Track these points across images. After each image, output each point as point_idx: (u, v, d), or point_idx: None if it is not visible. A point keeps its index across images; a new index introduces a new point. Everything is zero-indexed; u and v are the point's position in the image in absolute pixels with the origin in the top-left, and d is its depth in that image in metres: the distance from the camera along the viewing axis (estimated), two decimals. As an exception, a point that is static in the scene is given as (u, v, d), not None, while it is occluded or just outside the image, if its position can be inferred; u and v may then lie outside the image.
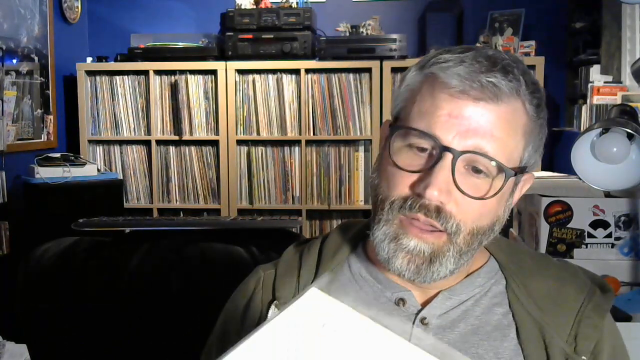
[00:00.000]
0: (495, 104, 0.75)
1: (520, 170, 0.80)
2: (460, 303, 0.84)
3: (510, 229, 2.20)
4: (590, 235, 1.75)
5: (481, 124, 0.75)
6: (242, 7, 3.93)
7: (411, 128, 0.77)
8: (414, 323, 0.83)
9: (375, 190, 0.82)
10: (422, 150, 0.77)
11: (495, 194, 0.77)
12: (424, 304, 0.84)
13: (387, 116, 3.96)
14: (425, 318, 0.83)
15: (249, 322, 0.90)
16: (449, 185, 0.75)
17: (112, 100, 3.85)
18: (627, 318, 1.51)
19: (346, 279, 0.89)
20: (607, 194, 1.79)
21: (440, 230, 0.77)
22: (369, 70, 3.64)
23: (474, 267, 0.87)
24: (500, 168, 0.76)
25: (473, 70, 0.75)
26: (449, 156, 0.74)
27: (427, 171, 0.76)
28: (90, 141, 3.86)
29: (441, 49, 0.81)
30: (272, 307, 0.88)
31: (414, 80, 0.81)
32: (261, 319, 0.88)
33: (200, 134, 3.81)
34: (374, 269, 0.88)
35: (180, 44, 3.82)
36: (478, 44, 3.66)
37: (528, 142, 0.79)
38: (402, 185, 0.77)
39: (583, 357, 0.81)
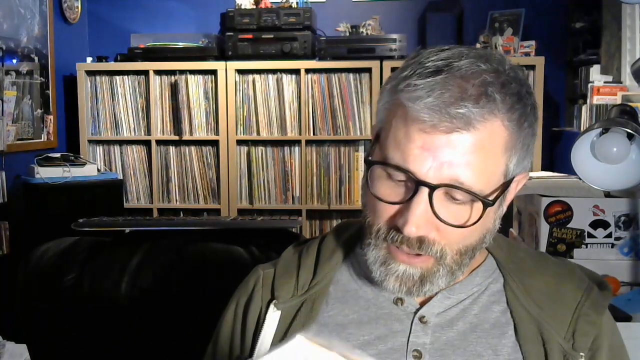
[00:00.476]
0: (468, 132, 0.73)
1: (505, 186, 0.78)
2: (459, 302, 0.85)
3: (510, 229, 2.20)
4: (590, 235, 1.75)
5: (455, 155, 0.73)
6: (242, 7, 3.93)
7: (386, 164, 0.76)
8: (412, 321, 0.83)
9: (364, 210, 0.83)
10: (400, 180, 0.76)
11: (477, 220, 0.76)
12: (423, 303, 0.85)
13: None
14: (424, 316, 0.83)
15: (249, 320, 0.90)
16: (428, 217, 0.75)
17: (112, 100, 3.85)
18: (627, 318, 1.51)
19: (345, 279, 0.90)
20: (607, 194, 1.79)
21: (426, 255, 0.78)
22: (369, 70, 3.64)
23: (473, 265, 0.87)
24: (476, 197, 0.75)
25: (442, 101, 0.72)
26: (424, 190, 0.74)
27: (405, 204, 0.76)
28: (90, 141, 3.86)
29: (418, 58, 0.78)
30: (272, 306, 0.88)
31: (389, 100, 0.79)
32: (260, 317, 0.89)
33: (200, 134, 3.81)
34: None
35: (180, 44, 3.82)
36: (478, 44, 3.66)
37: (511, 155, 0.77)
38: (384, 215, 0.78)
39: (581, 354, 0.81)
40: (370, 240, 0.80)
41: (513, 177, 0.80)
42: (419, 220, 0.74)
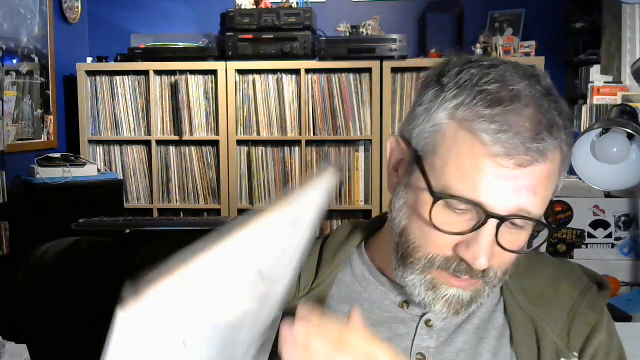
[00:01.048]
0: (540, 164, 0.72)
1: (551, 203, 0.81)
2: None
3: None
4: (590, 235, 1.75)
5: (525, 185, 0.72)
6: (242, 7, 3.93)
7: (456, 197, 0.72)
8: (418, 324, 0.83)
9: (404, 231, 0.79)
10: (463, 209, 0.73)
11: (541, 244, 0.79)
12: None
13: (387, 116, 3.92)
14: (429, 320, 0.83)
15: None
16: (493, 246, 0.73)
17: (112, 100, 3.85)
18: (627, 318, 1.51)
19: (349, 281, 0.89)
20: (607, 194, 1.79)
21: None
22: (369, 70, 3.64)
23: None
24: (538, 221, 0.75)
25: (518, 136, 0.70)
26: (493, 222, 0.72)
27: (471, 235, 0.73)
28: (90, 141, 3.86)
29: (467, 82, 0.74)
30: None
31: (445, 123, 0.74)
32: None
33: (200, 134, 3.81)
34: (376, 271, 0.87)
35: (180, 44, 3.82)
36: (478, 44, 3.66)
37: (561, 176, 0.77)
38: (443, 244, 0.75)
39: (575, 353, 0.81)
40: (413, 262, 0.77)
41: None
42: (488, 252, 0.72)
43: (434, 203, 0.73)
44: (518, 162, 0.70)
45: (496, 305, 0.85)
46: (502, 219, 0.71)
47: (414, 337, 0.82)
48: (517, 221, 0.73)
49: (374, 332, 0.83)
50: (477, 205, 0.71)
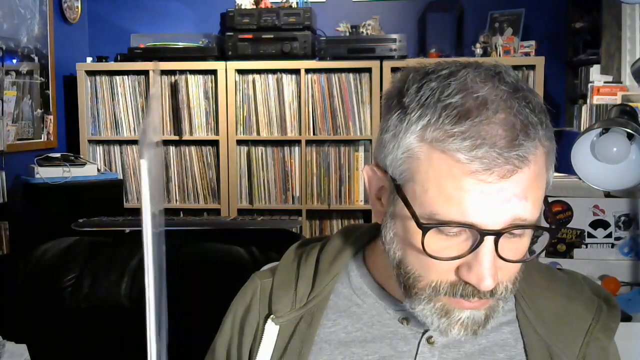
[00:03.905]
0: (525, 168, 0.68)
1: (546, 201, 0.76)
2: None
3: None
4: (590, 235, 1.75)
5: (514, 194, 0.68)
6: (242, 7, 3.93)
7: (446, 223, 0.69)
8: (420, 342, 0.81)
9: (401, 262, 0.75)
10: (456, 232, 0.70)
11: (534, 248, 0.75)
12: None
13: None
14: (431, 337, 0.81)
15: (247, 334, 0.88)
16: (495, 262, 0.70)
17: (112, 100, 3.85)
18: (627, 318, 1.51)
19: (346, 293, 0.86)
20: (607, 194, 1.79)
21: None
22: (369, 70, 3.64)
23: None
24: (536, 226, 0.72)
25: (494, 148, 0.67)
26: (490, 239, 0.68)
27: (470, 256, 0.70)
28: (90, 141, 3.86)
29: (429, 101, 0.70)
30: (269, 320, 0.85)
31: (416, 148, 0.70)
32: (258, 331, 0.87)
33: (200, 134, 3.81)
34: (374, 284, 0.85)
35: (180, 44, 3.82)
36: (478, 44, 3.66)
37: (549, 171, 0.74)
38: (444, 271, 0.72)
39: None
40: (419, 292, 0.74)
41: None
42: (492, 271, 0.69)
43: (424, 234, 0.70)
44: (500, 175, 0.67)
45: (503, 324, 0.83)
46: (498, 234, 0.68)
47: (416, 355, 0.80)
48: (515, 231, 0.70)
49: (375, 348, 0.81)
50: (469, 227, 0.68)
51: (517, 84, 0.72)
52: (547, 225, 0.75)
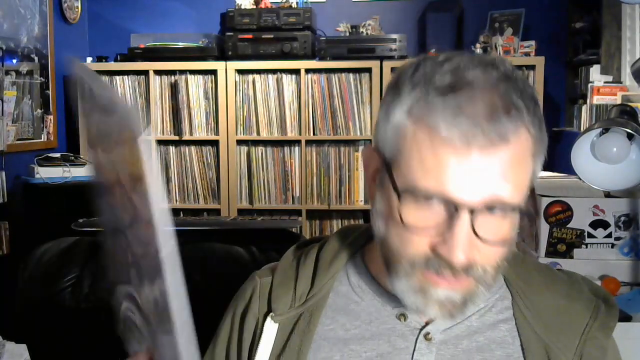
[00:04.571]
0: (504, 147, 0.69)
1: (531, 192, 0.76)
2: (465, 318, 0.82)
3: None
4: (590, 235, 1.75)
5: (493, 171, 0.69)
6: (242, 7, 3.93)
7: (420, 189, 0.70)
8: (417, 338, 0.81)
9: (384, 240, 0.77)
10: (431, 205, 0.71)
11: (514, 229, 0.74)
12: (429, 321, 0.82)
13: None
14: (429, 333, 0.81)
15: (246, 332, 0.88)
16: (471, 239, 0.70)
17: (112, 100, 3.84)
18: (627, 318, 1.51)
19: (345, 291, 0.87)
20: (607, 194, 1.79)
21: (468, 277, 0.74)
22: (369, 70, 3.64)
23: None
24: (516, 208, 0.72)
25: (474, 119, 0.68)
26: (466, 214, 0.69)
27: (444, 228, 0.70)
28: (90, 141, 3.86)
29: (424, 76, 0.73)
30: (269, 318, 0.86)
31: (403, 123, 0.73)
32: (257, 329, 0.87)
33: (200, 134, 3.81)
34: (373, 282, 0.85)
35: (180, 44, 3.82)
36: (478, 44, 3.66)
37: (536, 161, 0.75)
38: (420, 245, 0.72)
39: None
40: (399, 269, 0.75)
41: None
42: (465, 244, 0.69)
43: (400, 201, 0.71)
44: (479, 149, 0.68)
45: (501, 322, 0.83)
46: (473, 210, 0.69)
47: (414, 351, 0.81)
48: (494, 211, 0.70)
49: (373, 345, 0.82)
50: (444, 198, 0.69)
51: (510, 73, 0.73)
52: (532, 213, 0.75)
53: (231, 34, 3.76)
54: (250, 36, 3.73)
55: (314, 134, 3.73)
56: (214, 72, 3.74)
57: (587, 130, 1.56)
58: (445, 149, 0.69)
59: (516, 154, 0.70)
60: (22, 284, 1.64)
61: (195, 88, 3.78)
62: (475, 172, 0.69)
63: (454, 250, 0.69)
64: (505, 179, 0.70)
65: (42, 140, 3.65)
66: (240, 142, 3.78)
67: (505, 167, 0.69)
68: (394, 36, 3.65)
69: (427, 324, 0.82)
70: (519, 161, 0.71)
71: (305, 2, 3.98)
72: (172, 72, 3.78)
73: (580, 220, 1.75)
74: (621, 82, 3.17)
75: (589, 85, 3.18)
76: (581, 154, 1.57)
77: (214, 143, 3.80)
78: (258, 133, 3.77)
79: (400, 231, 0.73)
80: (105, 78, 3.83)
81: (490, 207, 0.70)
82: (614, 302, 0.86)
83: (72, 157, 3.51)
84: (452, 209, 0.69)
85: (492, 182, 0.69)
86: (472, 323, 0.83)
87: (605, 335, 0.83)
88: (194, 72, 3.76)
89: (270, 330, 0.85)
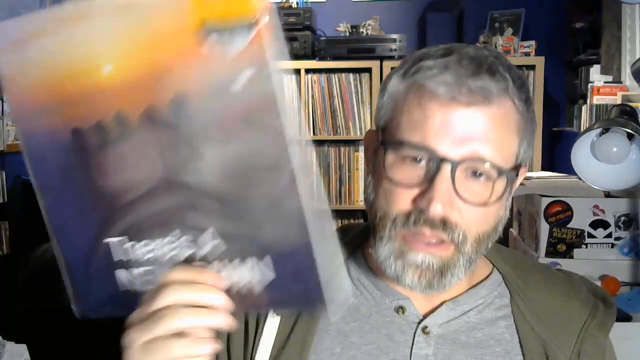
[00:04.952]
0: (487, 107, 0.72)
1: (516, 169, 0.78)
2: (463, 313, 0.83)
3: (510, 229, 2.21)
4: (590, 235, 1.75)
5: (475, 129, 0.72)
6: (242, 7, 3.93)
7: (404, 142, 0.74)
8: (415, 332, 0.82)
9: (373, 206, 0.79)
10: (418, 160, 0.74)
11: (498, 198, 0.75)
12: (427, 314, 0.83)
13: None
14: (426, 327, 0.81)
15: (249, 326, 0.88)
16: (451, 195, 0.72)
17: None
18: (627, 318, 1.51)
19: None
20: (607, 194, 1.79)
21: (447, 242, 0.75)
22: (369, 70, 3.64)
23: (478, 278, 0.85)
24: (500, 171, 0.74)
25: (459, 75, 0.72)
26: (447, 166, 0.72)
27: (426, 184, 0.73)
28: (90, 141, 3.87)
29: (421, 52, 0.78)
30: (270, 311, 0.85)
31: (397, 89, 0.78)
32: (259, 323, 0.86)
33: (200, 134, 3.81)
34: (373, 276, 0.86)
35: (180, 44, 3.82)
36: (478, 44, 3.66)
37: (522, 138, 0.77)
38: (402, 200, 0.74)
39: None
40: (382, 234, 0.77)
41: (521, 164, 0.79)
42: (444, 197, 0.71)
43: (386, 155, 0.75)
44: (463, 103, 0.72)
45: (499, 319, 0.83)
46: (455, 163, 0.71)
47: (412, 345, 0.81)
48: (476, 171, 0.73)
49: (373, 338, 0.82)
50: (427, 150, 0.72)
51: (500, 55, 0.78)
52: (512, 174, 0.77)
53: (231, 34, 3.76)
54: (250, 36, 3.73)
55: (314, 133, 3.73)
56: (214, 72, 3.74)
57: (587, 130, 1.56)
58: (432, 102, 0.73)
59: (499, 118, 0.73)
60: (22, 284, 1.64)
61: (195, 88, 3.78)
62: (457, 126, 0.72)
63: (432, 201, 0.72)
64: (486, 139, 0.72)
65: (42, 140, 3.65)
66: (240, 142, 3.78)
67: (488, 126, 0.72)
68: (394, 36, 3.65)
69: (425, 317, 0.82)
70: (502, 125, 0.74)
71: (305, 2, 3.98)
72: (172, 72, 3.78)
73: (580, 220, 1.75)
74: (621, 82, 3.17)
75: (589, 85, 3.18)
76: (581, 154, 1.57)
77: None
78: (258, 133, 3.77)
79: (387, 189, 0.76)
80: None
81: (471, 166, 0.73)
82: (612, 302, 0.86)
83: (72, 157, 3.51)
84: (434, 161, 0.72)
85: (473, 139, 0.72)
86: (470, 319, 0.83)
87: (603, 334, 0.83)
88: (194, 72, 3.76)
89: (272, 324, 0.85)
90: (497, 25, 3.80)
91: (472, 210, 0.74)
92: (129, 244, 0.60)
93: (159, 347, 0.56)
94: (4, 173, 3.11)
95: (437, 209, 0.72)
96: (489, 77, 0.73)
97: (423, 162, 0.73)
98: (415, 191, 0.74)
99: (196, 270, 0.59)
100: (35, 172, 0.61)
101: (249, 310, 0.70)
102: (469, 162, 0.72)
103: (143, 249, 0.60)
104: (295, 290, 0.58)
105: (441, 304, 0.83)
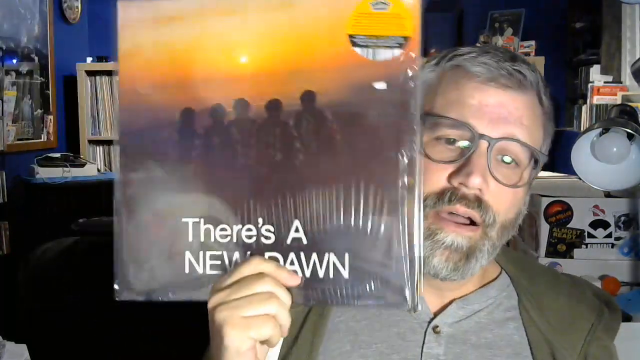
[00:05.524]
0: (522, 92, 0.75)
1: (537, 163, 0.79)
2: (473, 313, 0.83)
3: (510, 229, 2.20)
4: (590, 235, 1.75)
5: (511, 112, 0.75)
6: (242, 7, 3.93)
7: (445, 117, 0.75)
8: (426, 331, 0.81)
9: None
10: (451, 142, 0.75)
11: (525, 183, 0.78)
12: (437, 313, 0.82)
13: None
14: (437, 326, 0.81)
15: None
16: (486, 173, 0.74)
17: (112, 100, 3.85)
18: (627, 318, 1.51)
19: None
20: (607, 194, 1.79)
21: (476, 224, 0.75)
22: (369, 70, 3.64)
23: (487, 278, 0.86)
24: (532, 155, 0.77)
25: (498, 59, 0.76)
26: (484, 144, 0.73)
27: (462, 161, 0.74)
28: (90, 141, 3.86)
29: (452, 48, 0.81)
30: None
31: (429, 76, 0.79)
32: None
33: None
34: None
35: (180, 44, 3.82)
36: (478, 44, 3.66)
37: (546, 135, 0.80)
38: (437, 178, 0.75)
39: None
40: None
41: (540, 160, 0.80)
42: (482, 171, 0.73)
43: (424, 128, 0.75)
44: (501, 85, 0.74)
45: (509, 320, 0.84)
46: (492, 142, 0.73)
47: (423, 344, 0.81)
48: (508, 153, 0.75)
49: (383, 336, 0.81)
50: (466, 127, 0.74)
51: (528, 62, 0.80)
52: (544, 154, 0.79)
53: (231, 34, 3.76)
54: (250, 36, 3.73)
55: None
56: (214, 72, 3.74)
57: (587, 130, 1.56)
58: (470, 82, 0.76)
59: (532, 107, 0.77)
60: (22, 284, 1.64)
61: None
62: (495, 107, 0.74)
63: (472, 174, 0.73)
64: (521, 122, 0.75)
65: (42, 140, 3.65)
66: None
67: (522, 112, 0.75)
68: (394, 36, 3.64)
69: (435, 315, 0.82)
70: (534, 115, 0.77)
71: (305, 2, 3.98)
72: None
73: (580, 220, 1.75)
74: (621, 82, 3.17)
75: (589, 85, 3.18)
76: (581, 154, 1.57)
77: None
78: (258, 133, 3.77)
79: (424, 167, 0.76)
80: (105, 78, 3.83)
81: (505, 147, 0.75)
82: (616, 306, 0.87)
83: (72, 157, 3.51)
84: (473, 139, 0.74)
85: (509, 122, 0.75)
86: (480, 319, 0.83)
87: (610, 337, 0.83)
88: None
89: None
90: (497, 25, 3.80)
91: (503, 192, 0.76)
92: (207, 226, 0.62)
93: (260, 323, 0.60)
94: (4, 173, 3.11)
95: (476, 182, 0.73)
96: (525, 66, 0.76)
97: (457, 144, 0.75)
98: (449, 169, 0.75)
99: (283, 268, 0.61)
100: (124, 146, 0.65)
101: (310, 304, 0.71)
102: (505, 142, 0.74)
103: (219, 233, 0.61)
104: (372, 285, 0.60)
105: (451, 302, 0.82)
